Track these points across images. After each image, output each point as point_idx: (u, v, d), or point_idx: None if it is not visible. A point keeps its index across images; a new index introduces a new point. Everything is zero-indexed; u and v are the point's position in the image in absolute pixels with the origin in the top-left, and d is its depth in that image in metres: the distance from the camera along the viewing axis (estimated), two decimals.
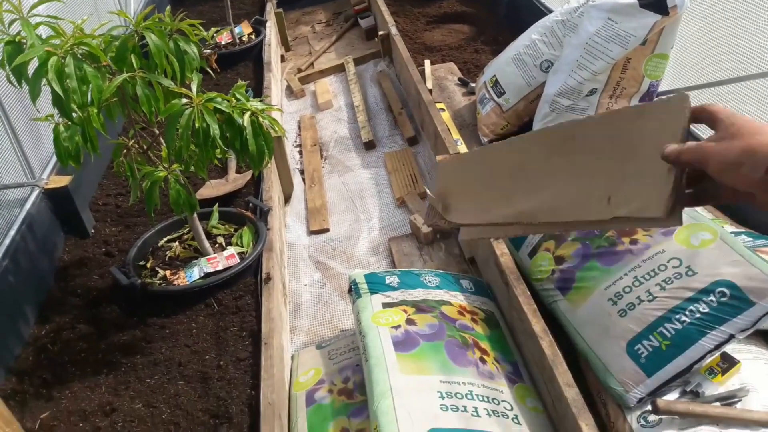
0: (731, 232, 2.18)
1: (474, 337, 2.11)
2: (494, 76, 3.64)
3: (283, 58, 5.16)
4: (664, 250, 1.98)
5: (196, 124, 1.92)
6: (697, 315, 1.80)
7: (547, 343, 1.91)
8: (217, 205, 2.87)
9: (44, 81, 1.82)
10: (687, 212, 2.06)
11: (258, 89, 4.11)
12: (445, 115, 3.83)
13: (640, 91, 3.03)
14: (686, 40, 2.99)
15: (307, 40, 5.47)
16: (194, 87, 2.01)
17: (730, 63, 2.65)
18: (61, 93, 1.79)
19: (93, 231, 2.95)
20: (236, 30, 4.84)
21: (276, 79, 4.35)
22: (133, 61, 1.96)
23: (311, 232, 3.25)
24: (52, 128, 2.13)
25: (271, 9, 5.17)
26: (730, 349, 1.82)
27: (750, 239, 2.19)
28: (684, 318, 1.81)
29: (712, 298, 1.80)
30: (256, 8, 5.70)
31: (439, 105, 3.86)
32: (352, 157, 3.87)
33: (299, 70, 4.94)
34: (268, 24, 4.90)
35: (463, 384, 1.87)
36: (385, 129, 4.07)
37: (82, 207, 2.91)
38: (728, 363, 1.78)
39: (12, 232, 2.48)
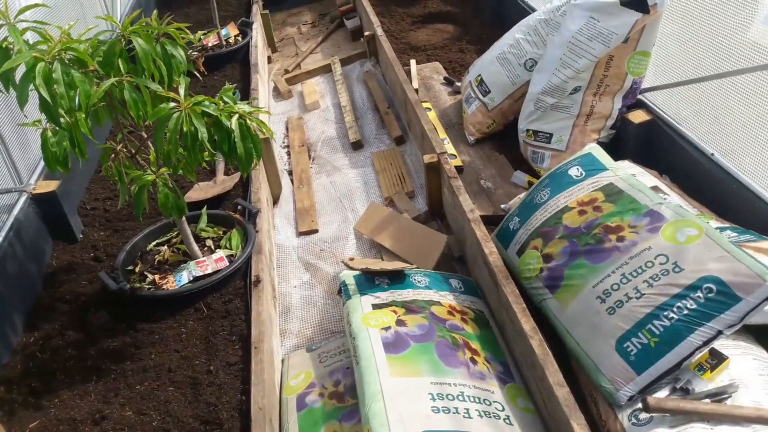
0: (716, 228, 2.21)
1: (464, 337, 2.12)
2: (479, 75, 3.66)
3: (269, 60, 5.15)
4: (651, 246, 2.00)
5: (184, 128, 1.91)
6: (685, 311, 1.82)
7: (537, 342, 1.93)
8: (205, 207, 2.87)
9: (31, 86, 1.81)
10: (673, 208, 2.10)
11: (245, 91, 4.10)
12: (432, 115, 3.85)
13: (623, 88, 3.06)
14: (667, 37, 3.02)
15: (294, 41, 5.46)
16: (182, 91, 2.00)
17: (710, 59, 2.68)
18: (48, 98, 1.78)
19: (81, 236, 2.93)
20: (223, 32, 4.83)
21: (263, 81, 4.34)
22: (121, 65, 1.95)
23: (300, 233, 3.25)
24: (39, 133, 2.12)
25: (257, 11, 5.16)
26: (718, 345, 1.84)
27: (735, 234, 2.23)
28: (672, 314, 1.83)
29: (699, 294, 1.83)
30: (243, 10, 5.69)
31: (425, 104, 3.87)
32: (339, 157, 3.87)
33: (286, 71, 4.93)
34: (254, 26, 4.89)
35: (454, 385, 1.88)
36: (372, 129, 4.08)
37: (71, 212, 2.89)
38: (717, 359, 1.80)
39: None
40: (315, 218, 3.33)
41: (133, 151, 2.26)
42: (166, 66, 2.04)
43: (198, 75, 2.48)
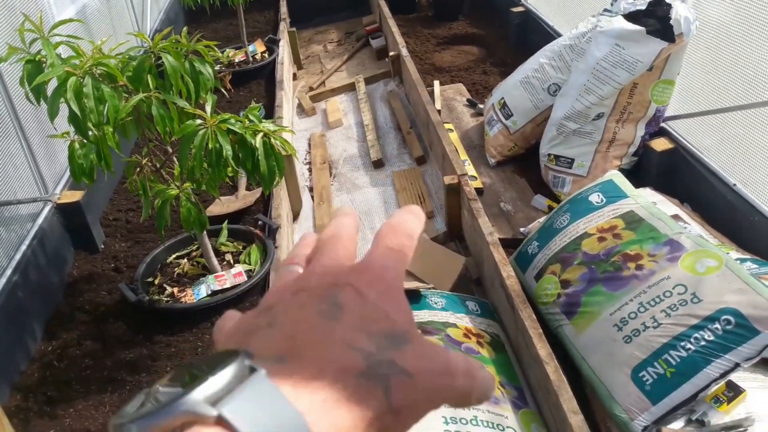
0: (736, 259, 2.18)
1: (479, 361, 2.11)
2: (502, 98, 3.67)
3: (295, 76, 5.21)
4: (670, 276, 1.98)
5: (210, 145, 1.95)
6: (703, 343, 1.80)
7: (552, 369, 1.91)
8: (226, 222, 2.90)
9: (62, 99, 1.86)
10: (693, 238, 2.08)
11: (270, 107, 4.15)
12: (453, 136, 3.86)
13: (646, 115, 3.05)
14: (692, 66, 3.01)
15: (319, 59, 5.53)
16: (208, 108, 2.04)
17: (735, 89, 2.67)
18: (78, 112, 1.82)
19: (103, 246, 2.97)
20: (250, 48, 4.91)
21: (288, 98, 4.40)
22: (149, 81, 1.99)
23: None
24: (66, 145, 2.16)
25: (284, 28, 5.24)
26: (735, 377, 1.82)
27: (756, 266, 2.20)
28: (689, 345, 1.81)
29: (717, 325, 1.81)
30: (270, 26, 5.78)
31: (447, 125, 3.89)
32: (360, 175, 3.89)
33: (310, 89, 4.98)
34: (281, 43, 4.96)
35: (467, 409, 1.88)
36: (393, 148, 4.10)
37: (93, 222, 2.94)
38: (734, 392, 1.78)
39: (23, 247, 2.51)
40: None
41: (158, 166, 2.30)
42: (194, 83, 2.08)
43: (224, 92, 2.52)
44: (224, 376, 0.33)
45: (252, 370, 0.33)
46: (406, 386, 0.36)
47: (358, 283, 0.40)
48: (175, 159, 2.34)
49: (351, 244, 0.46)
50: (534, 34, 4.65)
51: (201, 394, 0.32)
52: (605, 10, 3.26)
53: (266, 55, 4.97)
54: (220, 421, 0.31)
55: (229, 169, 2.12)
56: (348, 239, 0.46)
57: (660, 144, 3.06)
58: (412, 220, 0.47)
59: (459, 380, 0.39)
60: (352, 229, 0.47)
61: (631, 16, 2.97)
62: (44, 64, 1.94)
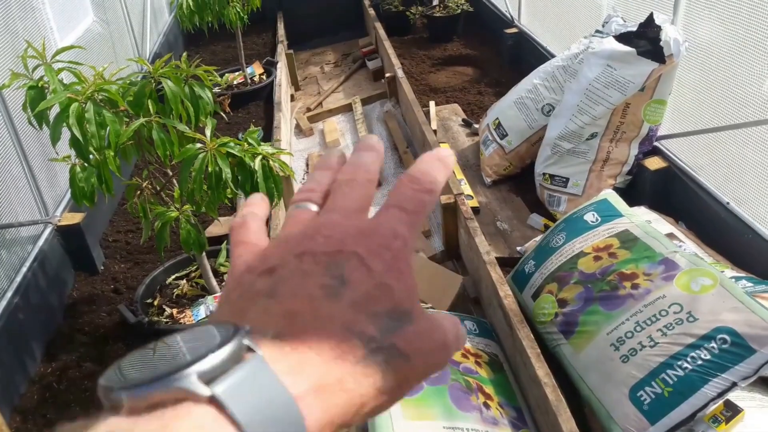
0: (731, 277, 2.21)
1: (478, 381, 2.12)
2: (497, 118, 3.71)
3: (292, 98, 5.26)
4: (665, 295, 2.00)
5: (209, 168, 1.97)
6: (699, 362, 1.82)
7: (551, 389, 1.93)
8: (225, 243, 2.92)
9: (64, 124, 1.89)
10: (688, 257, 2.10)
11: (268, 128, 4.19)
12: None
13: (639, 135, 3.09)
14: (684, 86, 3.06)
15: (317, 80, 5.58)
16: (208, 132, 2.07)
17: (726, 109, 2.71)
18: (80, 137, 1.85)
19: (102, 267, 2.99)
20: (248, 70, 4.96)
21: (286, 119, 4.43)
22: (150, 106, 2.02)
23: None
24: (67, 168, 2.19)
25: (282, 50, 5.29)
26: (733, 396, 1.83)
27: (751, 284, 2.22)
28: (686, 365, 1.83)
29: (713, 344, 1.83)
30: (268, 49, 5.83)
31: (443, 145, 3.92)
32: None
33: (308, 109, 5.03)
34: (278, 65, 5.01)
35: (466, 430, 1.88)
36: (390, 168, 4.13)
37: (93, 243, 2.95)
38: (732, 411, 1.79)
39: (24, 269, 2.52)
40: None
41: (158, 188, 2.32)
42: (194, 107, 2.11)
43: (223, 114, 2.55)
44: (221, 354, 0.32)
45: (249, 349, 0.33)
46: (403, 368, 0.36)
47: (365, 252, 0.39)
48: (175, 182, 2.36)
49: (369, 188, 0.44)
50: (527, 54, 4.72)
51: (197, 370, 0.31)
52: (597, 31, 3.31)
53: (264, 77, 5.02)
54: (213, 401, 0.30)
55: (228, 191, 2.15)
56: (366, 183, 0.44)
57: (653, 163, 3.10)
58: (438, 169, 0.44)
59: (452, 351, 0.39)
60: (372, 171, 0.45)
61: (622, 38, 3.03)
62: (47, 90, 1.97)
